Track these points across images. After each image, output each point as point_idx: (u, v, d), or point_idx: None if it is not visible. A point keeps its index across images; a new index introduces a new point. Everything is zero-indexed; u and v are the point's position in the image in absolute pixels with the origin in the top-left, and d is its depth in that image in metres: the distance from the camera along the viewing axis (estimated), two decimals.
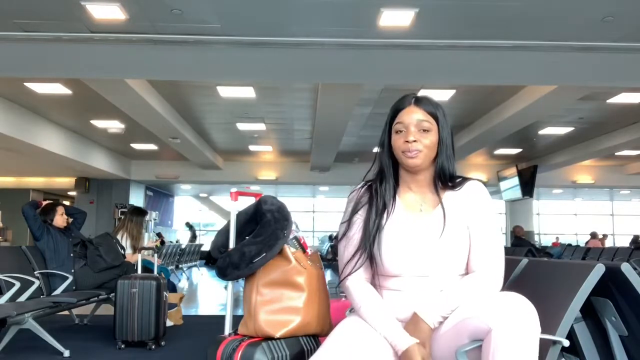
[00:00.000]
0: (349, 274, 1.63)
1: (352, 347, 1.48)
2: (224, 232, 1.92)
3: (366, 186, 1.70)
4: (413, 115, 1.60)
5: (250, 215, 1.91)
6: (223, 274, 1.82)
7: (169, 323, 4.78)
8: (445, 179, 1.63)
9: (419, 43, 5.92)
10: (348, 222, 1.66)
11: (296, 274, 1.80)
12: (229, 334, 1.82)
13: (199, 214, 22.95)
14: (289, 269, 1.80)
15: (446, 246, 1.56)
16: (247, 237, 1.88)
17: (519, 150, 13.05)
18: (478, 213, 1.59)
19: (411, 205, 1.64)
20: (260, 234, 1.81)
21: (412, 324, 1.50)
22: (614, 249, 10.44)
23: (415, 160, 1.59)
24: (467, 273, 1.59)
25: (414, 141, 1.58)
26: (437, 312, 1.49)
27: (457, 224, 1.58)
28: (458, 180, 1.65)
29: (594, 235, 14.97)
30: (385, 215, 1.61)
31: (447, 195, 1.62)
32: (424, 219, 1.61)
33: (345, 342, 1.50)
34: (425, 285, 1.57)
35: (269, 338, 1.73)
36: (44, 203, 5.06)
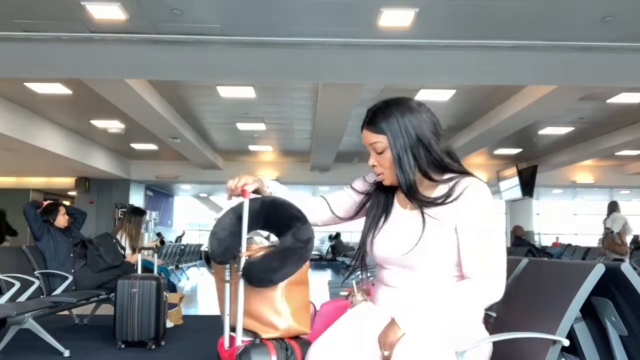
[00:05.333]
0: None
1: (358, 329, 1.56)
2: (235, 232, 1.68)
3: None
4: (366, 139, 1.60)
5: (260, 214, 1.73)
6: (252, 281, 1.66)
7: (169, 323, 4.78)
8: (411, 190, 1.55)
9: (419, 43, 5.92)
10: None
11: (306, 270, 1.76)
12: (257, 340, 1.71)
13: (200, 213, 22.91)
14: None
15: (428, 241, 1.52)
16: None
17: (519, 150, 13.05)
18: (467, 214, 1.50)
19: (402, 202, 1.65)
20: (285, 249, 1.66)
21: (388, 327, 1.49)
22: None
23: (385, 181, 1.61)
24: (460, 274, 1.54)
25: (374, 166, 1.60)
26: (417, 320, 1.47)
27: (442, 223, 1.52)
28: (446, 178, 1.57)
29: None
30: (384, 214, 1.66)
31: (438, 190, 1.56)
32: (410, 213, 1.60)
33: (354, 324, 1.59)
34: (414, 280, 1.56)
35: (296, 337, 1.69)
36: (45, 203, 5.06)
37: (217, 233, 1.65)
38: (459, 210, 1.50)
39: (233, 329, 1.67)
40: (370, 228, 1.66)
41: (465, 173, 1.57)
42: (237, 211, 1.68)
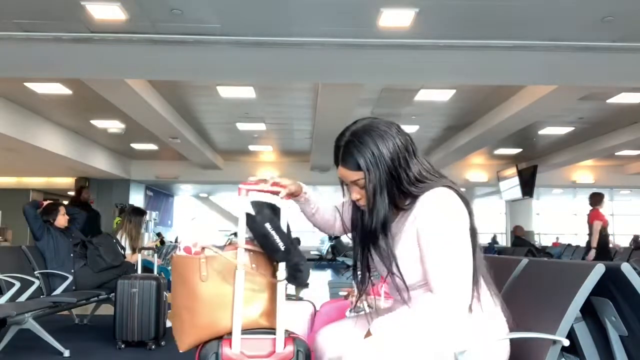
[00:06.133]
0: None
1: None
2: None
3: None
4: (345, 177, 1.56)
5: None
6: (304, 281, 1.71)
7: (169, 323, 4.78)
8: (373, 233, 1.51)
9: (419, 43, 5.92)
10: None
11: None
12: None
13: (200, 213, 22.90)
14: None
15: (400, 260, 1.51)
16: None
17: (519, 150, 13.05)
18: (423, 228, 1.46)
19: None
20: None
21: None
22: (614, 249, 10.46)
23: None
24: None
25: (358, 199, 1.56)
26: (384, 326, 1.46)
27: (408, 240, 1.50)
28: (408, 203, 1.53)
29: None
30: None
31: (400, 216, 1.55)
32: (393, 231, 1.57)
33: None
34: (403, 294, 1.55)
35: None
36: (45, 203, 5.06)
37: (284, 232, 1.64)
38: (418, 224, 1.47)
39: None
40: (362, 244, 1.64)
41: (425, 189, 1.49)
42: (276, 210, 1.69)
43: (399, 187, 1.49)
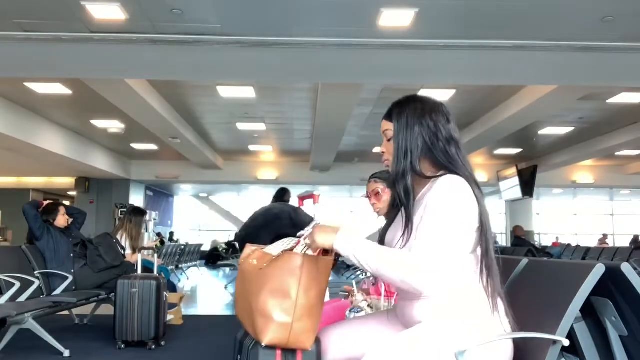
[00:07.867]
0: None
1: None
2: None
3: None
4: (382, 127, 1.67)
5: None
6: None
7: (169, 317, 4.78)
8: (397, 179, 1.59)
9: (419, 43, 5.93)
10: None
11: None
12: None
13: (201, 213, 22.90)
14: None
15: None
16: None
17: (519, 150, 13.06)
18: (429, 204, 1.51)
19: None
20: None
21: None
22: (614, 249, 10.46)
23: (388, 168, 1.66)
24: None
25: (383, 152, 1.66)
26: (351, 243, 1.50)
27: (418, 220, 1.55)
28: (430, 178, 1.59)
29: (604, 239, 15.51)
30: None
31: (423, 193, 1.59)
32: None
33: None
34: None
35: None
36: (45, 203, 5.06)
37: None
38: (428, 202, 1.52)
39: None
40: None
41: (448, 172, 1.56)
42: None
43: (424, 156, 1.59)
